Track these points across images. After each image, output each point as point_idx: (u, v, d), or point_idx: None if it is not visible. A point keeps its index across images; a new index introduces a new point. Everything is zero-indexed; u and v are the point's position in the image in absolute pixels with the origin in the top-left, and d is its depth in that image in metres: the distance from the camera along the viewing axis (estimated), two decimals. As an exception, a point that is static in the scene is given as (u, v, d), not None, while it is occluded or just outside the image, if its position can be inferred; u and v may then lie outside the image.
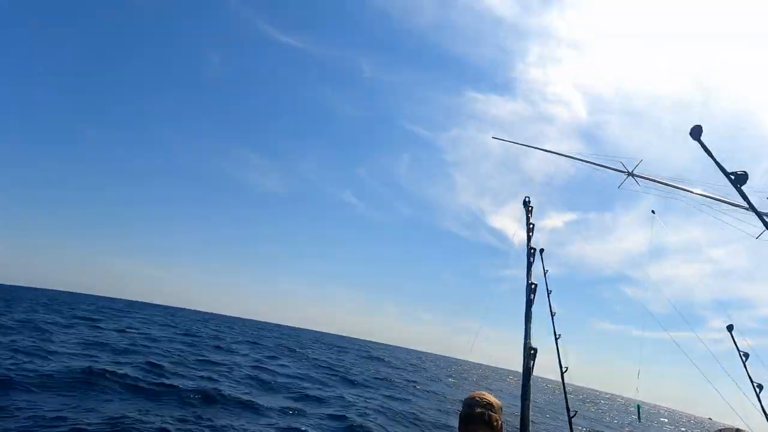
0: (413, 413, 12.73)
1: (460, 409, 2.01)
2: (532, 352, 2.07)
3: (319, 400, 12.23)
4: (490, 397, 1.98)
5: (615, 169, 5.25)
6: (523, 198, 3.43)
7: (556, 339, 3.31)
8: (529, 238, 3.14)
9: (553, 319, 3.17)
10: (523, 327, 2.29)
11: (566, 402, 3.42)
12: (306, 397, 12.35)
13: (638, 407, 3.32)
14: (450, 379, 32.84)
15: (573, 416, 3.23)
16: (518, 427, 2.21)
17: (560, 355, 3.25)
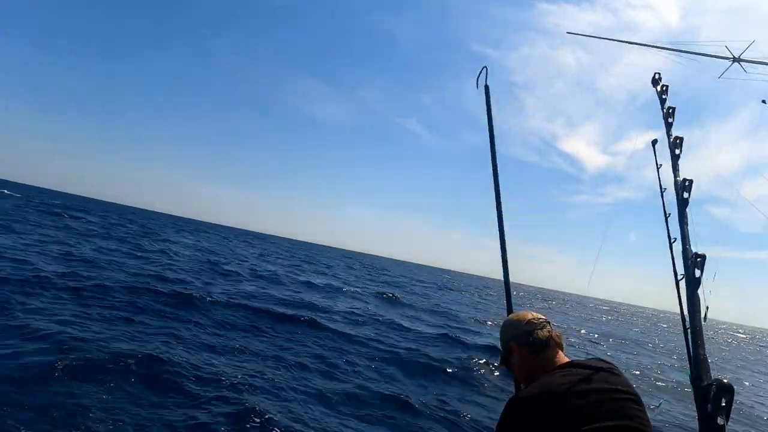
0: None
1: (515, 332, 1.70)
2: (698, 259, 1.72)
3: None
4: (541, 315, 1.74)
5: (716, 56, 4.44)
6: (653, 75, 2.88)
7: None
8: (668, 125, 2.55)
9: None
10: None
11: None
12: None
13: (706, 308, 3.01)
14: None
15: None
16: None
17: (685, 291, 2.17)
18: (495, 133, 2.67)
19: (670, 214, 2.64)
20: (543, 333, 1.63)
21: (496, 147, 2.65)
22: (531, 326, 1.65)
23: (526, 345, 1.63)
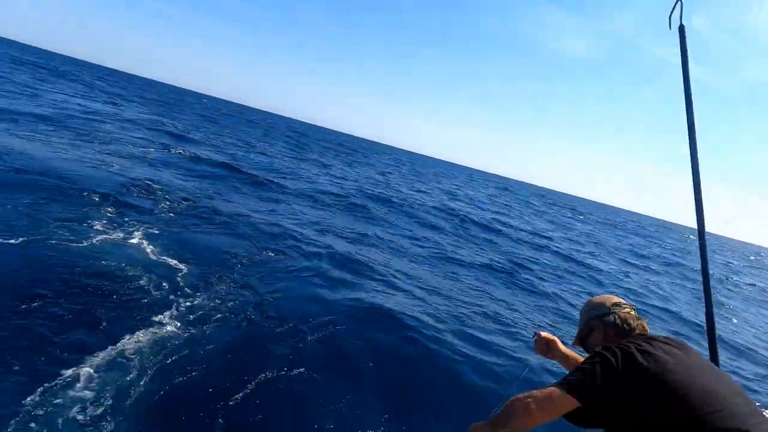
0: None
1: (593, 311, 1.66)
2: None
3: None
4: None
5: None
6: None
7: None
8: None
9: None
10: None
11: None
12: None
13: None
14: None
15: None
16: None
17: None
18: (692, 82, 2.07)
19: None
20: (633, 314, 1.59)
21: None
22: (619, 308, 1.61)
23: (611, 326, 1.58)
